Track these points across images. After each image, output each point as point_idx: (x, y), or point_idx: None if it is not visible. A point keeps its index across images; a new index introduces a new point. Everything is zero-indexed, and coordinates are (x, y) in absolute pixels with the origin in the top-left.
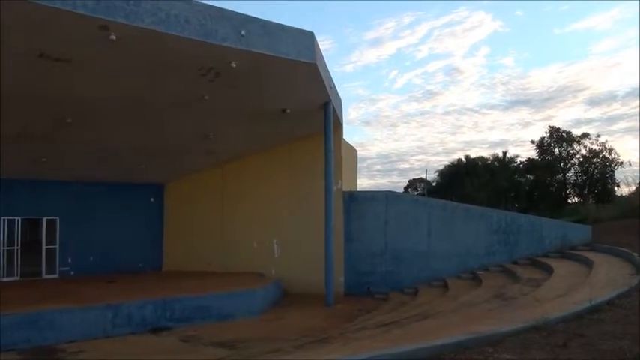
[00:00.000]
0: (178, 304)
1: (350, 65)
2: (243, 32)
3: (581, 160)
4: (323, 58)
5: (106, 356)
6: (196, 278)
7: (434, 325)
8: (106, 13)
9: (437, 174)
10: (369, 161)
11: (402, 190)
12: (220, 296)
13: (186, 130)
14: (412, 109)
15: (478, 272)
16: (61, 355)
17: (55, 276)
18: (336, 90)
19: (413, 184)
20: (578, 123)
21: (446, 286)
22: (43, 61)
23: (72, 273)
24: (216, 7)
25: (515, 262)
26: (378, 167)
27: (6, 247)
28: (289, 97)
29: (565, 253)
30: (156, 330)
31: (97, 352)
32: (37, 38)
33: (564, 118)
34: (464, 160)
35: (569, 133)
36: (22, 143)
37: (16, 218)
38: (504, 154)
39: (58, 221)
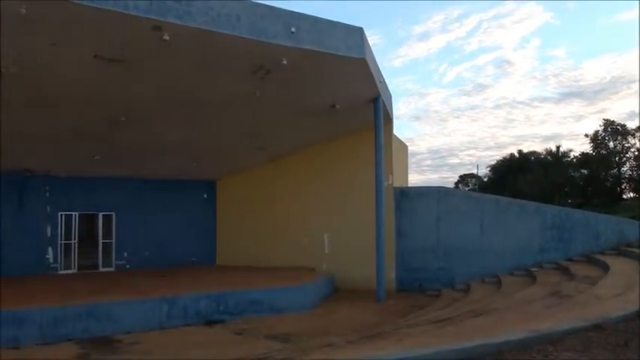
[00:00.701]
0: (232, 298)
1: (398, 60)
2: (293, 29)
3: (636, 153)
4: (372, 53)
5: (161, 347)
6: (249, 272)
7: (489, 322)
8: (159, 13)
9: (488, 169)
10: (418, 156)
11: (452, 186)
12: (273, 290)
13: (238, 127)
14: (462, 103)
15: (532, 269)
16: (118, 345)
17: (112, 269)
18: (386, 85)
19: (464, 179)
20: (633, 115)
21: (499, 283)
22: (97, 62)
23: (128, 266)
24: (266, 4)
25: (569, 259)
26: (428, 162)
27: (64, 241)
28: (339, 93)
29: (621, 250)
30: (210, 322)
31: (153, 343)
32: (91, 40)
33: (618, 110)
34: (516, 154)
35: (623, 126)
36: (79, 141)
37: (74, 213)
38: (557, 148)
39: (113, 216)
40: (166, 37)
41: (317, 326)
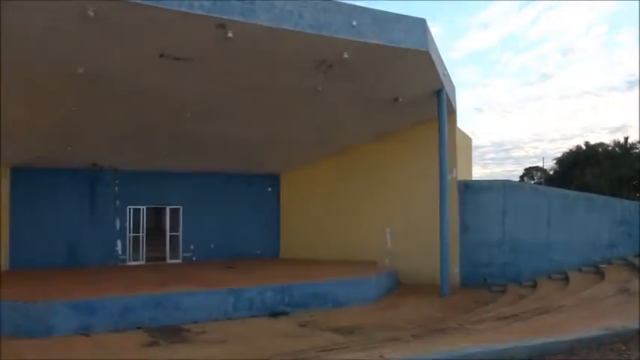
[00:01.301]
0: (296, 290)
1: (460, 50)
2: (354, 23)
3: None
4: (435, 44)
5: (228, 337)
6: (312, 266)
7: (558, 319)
8: (223, 12)
9: (554, 161)
10: (481, 149)
11: (517, 179)
12: (336, 283)
13: (301, 121)
14: (526, 93)
15: (600, 265)
16: (186, 334)
17: (179, 261)
18: (449, 77)
19: (529, 172)
20: None
21: (566, 279)
22: (163, 61)
23: (194, 259)
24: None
25: (638, 256)
26: (492, 155)
27: (132, 234)
28: (402, 86)
29: None
30: (274, 314)
31: (220, 333)
32: (157, 40)
33: None
34: (583, 146)
35: None
36: (147, 137)
37: (141, 207)
38: (626, 139)
39: (180, 210)
40: (230, 35)
41: (380, 320)
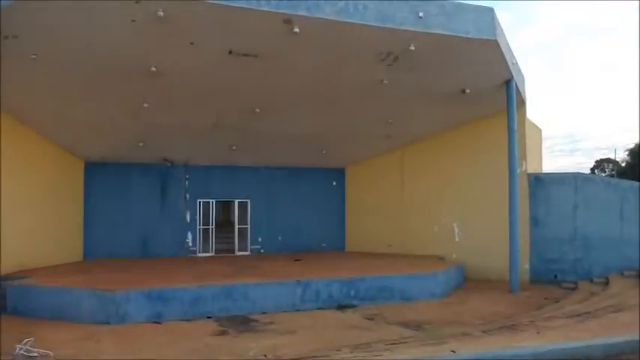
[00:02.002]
0: (363, 284)
1: (529, 39)
2: (420, 14)
3: None
4: (503, 33)
5: (295, 328)
6: (378, 259)
7: (632, 317)
8: (288, 7)
9: (626, 153)
10: (550, 141)
11: (587, 172)
12: (403, 278)
13: (366, 115)
14: (598, 82)
15: None
16: (255, 324)
17: (247, 253)
18: (518, 66)
19: (600, 164)
20: None
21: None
22: (232, 58)
23: (262, 251)
24: None
25: None
26: (561, 147)
27: (202, 227)
28: (469, 77)
29: None
30: (341, 307)
31: (288, 324)
32: (225, 37)
33: None
34: None
35: None
36: (216, 133)
37: (211, 200)
38: None
39: (248, 203)
40: (296, 30)
41: (448, 315)
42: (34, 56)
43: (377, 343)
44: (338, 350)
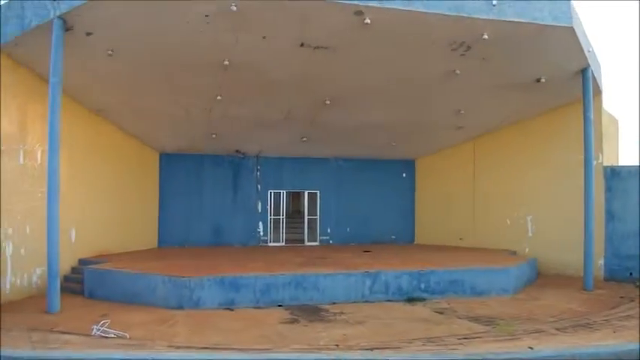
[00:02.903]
0: (433, 277)
1: (604, 25)
2: (494, 2)
3: None
4: (579, 19)
5: (365, 319)
6: (448, 252)
7: None
8: None
9: None
10: (627, 132)
11: None
12: (474, 271)
13: (437, 106)
14: None
15: None
16: (325, 314)
17: (316, 244)
18: (595, 54)
19: None
20: None
21: None
22: (303, 50)
23: (331, 242)
24: None
25: None
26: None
27: (273, 217)
28: (543, 66)
29: None
30: (410, 300)
31: (357, 314)
32: (297, 30)
33: None
34: None
35: None
36: (288, 124)
37: (281, 191)
38: None
39: (318, 194)
40: (368, 21)
41: (520, 312)
42: (110, 52)
43: (449, 337)
44: (409, 343)
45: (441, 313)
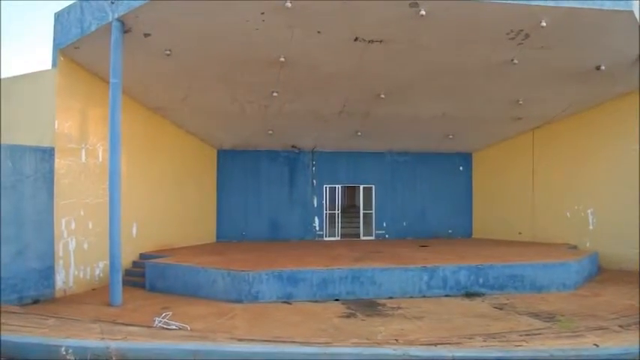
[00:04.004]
0: (491, 272)
1: None
2: None
3: None
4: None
5: (422, 314)
6: (507, 247)
7: None
8: None
9: None
10: None
11: None
12: (534, 266)
13: (495, 97)
14: None
15: None
16: (381, 308)
17: (372, 238)
18: None
19: None
20: None
21: None
22: (358, 44)
23: (387, 236)
24: None
25: None
26: None
27: (328, 211)
28: (604, 53)
29: None
30: (469, 295)
31: (415, 309)
32: (352, 24)
33: None
34: None
35: None
36: (342, 119)
37: (337, 186)
38: None
39: (373, 188)
40: (423, 12)
41: (581, 308)
42: (168, 52)
43: (510, 334)
44: (470, 339)
45: (500, 308)
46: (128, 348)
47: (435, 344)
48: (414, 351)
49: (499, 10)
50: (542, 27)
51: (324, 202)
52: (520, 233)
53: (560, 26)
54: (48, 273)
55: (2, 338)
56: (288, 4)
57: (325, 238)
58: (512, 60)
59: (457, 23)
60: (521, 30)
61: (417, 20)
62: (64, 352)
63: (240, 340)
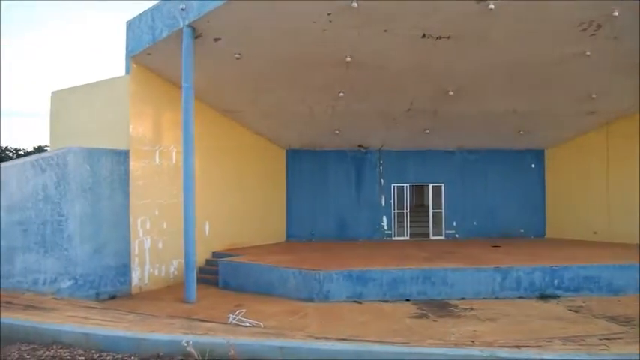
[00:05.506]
0: (567, 273)
1: None
2: None
3: None
4: None
5: (496, 315)
6: (582, 247)
7: None
8: None
9: None
10: None
11: None
12: (610, 267)
13: (567, 91)
14: None
15: None
16: (453, 309)
17: (442, 238)
18: None
19: None
20: None
21: None
22: (425, 41)
23: (457, 235)
24: None
25: None
26: None
27: (396, 211)
28: None
29: None
30: (543, 296)
31: (488, 311)
32: (419, 21)
33: None
34: None
35: None
36: (410, 117)
37: (405, 185)
38: None
39: (442, 187)
40: (492, 7)
41: None
42: (237, 56)
43: (588, 337)
44: (548, 341)
45: (575, 311)
46: (209, 342)
47: (519, 347)
48: (502, 353)
49: (570, 1)
50: (615, 17)
51: (393, 201)
52: (595, 233)
53: (634, 14)
54: (124, 270)
55: (91, 331)
56: (355, 4)
57: (394, 238)
58: (585, 52)
59: (526, 16)
60: (593, 21)
61: (485, 15)
62: (185, 344)
63: (317, 338)
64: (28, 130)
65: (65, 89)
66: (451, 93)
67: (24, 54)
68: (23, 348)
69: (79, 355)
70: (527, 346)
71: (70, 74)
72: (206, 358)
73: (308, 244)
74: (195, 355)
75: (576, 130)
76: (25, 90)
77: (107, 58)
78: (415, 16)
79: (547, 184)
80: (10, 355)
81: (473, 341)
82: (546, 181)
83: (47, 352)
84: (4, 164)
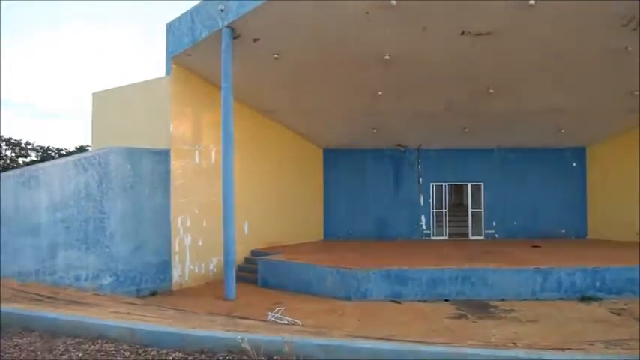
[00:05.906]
0: (608, 274)
1: None
2: None
3: None
4: None
5: (537, 317)
6: (625, 248)
7: None
8: None
9: None
10: None
11: None
12: None
13: (608, 87)
14: None
15: None
16: (493, 310)
17: (481, 237)
18: None
19: None
20: None
21: None
22: (464, 39)
23: (496, 235)
24: None
25: None
26: None
27: (435, 210)
28: None
29: None
30: (584, 298)
31: (528, 312)
32: (458, 18)
33: None
34: None
35: None
36: (448, 116)
37: (444, 184)
38: None
39: (482, 186)
40: (532, 2)
41: None
42: (276, 56)
43: (631, 341)
44: (590, 344)
45: (617, 314)
46: (263, 340)
47: (563, 349)
48: (547, 355)
49: None
50: None
51: (431, 200)
52: (638, 233)
53: None
54: (165, 267)
55: (135, 327)
56: (393, 2)
57: (432, 237)
58: (626, 48)
59: (567, 12)
60: (634, 16)
61: (525, 10)
62: (240, 340)
63: (357, 337)
64: (66, 131)
65: (105, 90)
66: (491, 91)
67: (49, 55)
68: (69, 342)
69: (124, 350)
70: (572, 349)
71: (98, 77)
72: (261, 355)
73: (346, 243)
74: (250, 352)
75: (618, 128)
76: (60, 92)
77: (139, 61)
78: (453, 13)
79: (588, 183)
80: (56, 349)
81: (515, 343)
82: (587, 180)
83: (92, 346)
84: (44, 164)
